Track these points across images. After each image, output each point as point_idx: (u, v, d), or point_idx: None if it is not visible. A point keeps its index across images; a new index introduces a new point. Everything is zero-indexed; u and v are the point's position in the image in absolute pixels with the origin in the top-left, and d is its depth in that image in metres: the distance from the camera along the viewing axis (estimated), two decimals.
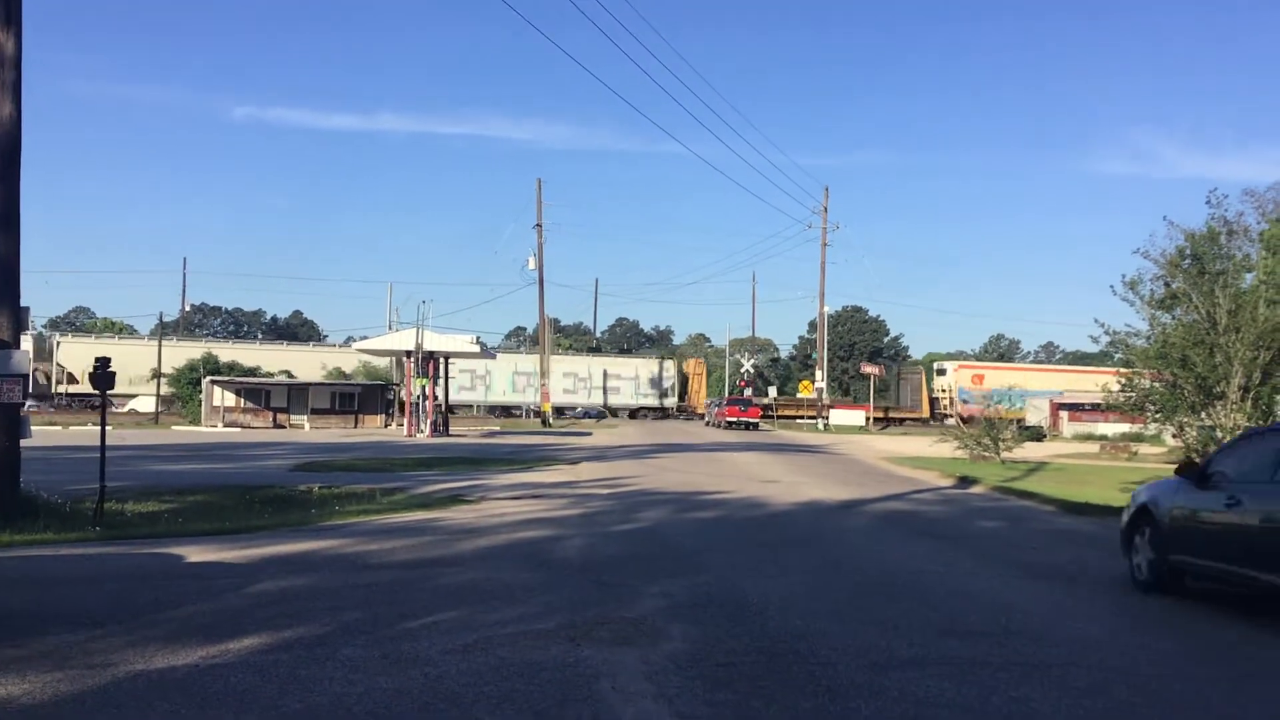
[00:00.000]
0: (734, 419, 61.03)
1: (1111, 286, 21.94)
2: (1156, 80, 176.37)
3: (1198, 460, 12.84)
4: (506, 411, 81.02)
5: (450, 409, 56.64)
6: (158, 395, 63.73)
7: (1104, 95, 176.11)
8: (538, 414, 68.42)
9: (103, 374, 13.97)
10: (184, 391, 60.08)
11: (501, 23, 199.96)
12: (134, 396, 69.19)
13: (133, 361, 66.48)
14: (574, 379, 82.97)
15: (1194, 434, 21.59)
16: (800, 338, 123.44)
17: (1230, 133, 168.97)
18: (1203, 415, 21.11)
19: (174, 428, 52.66)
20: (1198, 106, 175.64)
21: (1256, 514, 9.02)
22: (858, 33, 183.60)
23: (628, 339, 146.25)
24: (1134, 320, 22.20)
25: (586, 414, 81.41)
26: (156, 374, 63.87)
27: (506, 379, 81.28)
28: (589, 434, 50.66)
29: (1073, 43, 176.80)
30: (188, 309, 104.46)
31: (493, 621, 7.71)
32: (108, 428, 15.06)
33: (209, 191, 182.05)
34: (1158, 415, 22.35)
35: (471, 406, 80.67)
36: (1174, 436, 23.28)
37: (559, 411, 75.28)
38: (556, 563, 10.88)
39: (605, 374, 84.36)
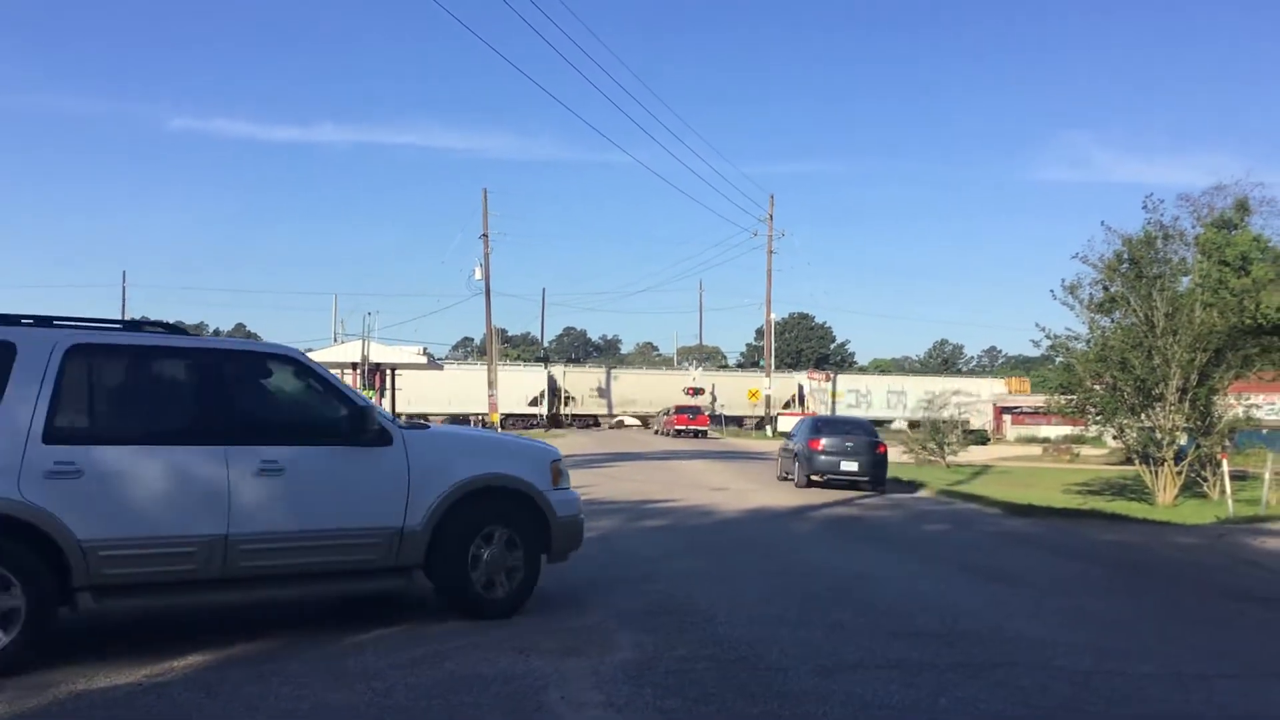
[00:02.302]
0: (683, 427, 61.19)
1: (1052, 290, 22.35)
2: (1090, 86, 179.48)
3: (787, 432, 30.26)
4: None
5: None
6: None
7: (1040, 102, 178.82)
8: (484, 423, 68.11)
9: None
10: None
11: (441, 31, 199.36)
12: None
13: None
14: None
15: (1134, 435, 21.99)
16: (748, 345, 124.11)
17: (1163, 138, 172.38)
18: (1142, 417, 21.51)
19: None
20: (1131, 112, 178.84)
21: (793, 448, 25.09)
22: (796, 40, 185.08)
23: (575, 348, 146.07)
24: (1074, 324, 22.69)
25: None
26: None
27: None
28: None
29: (1006, 49, 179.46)
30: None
31: (441, 634, 7.65)
32: None
33: (148, 203, 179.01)
34: (1098, 417, 22.72)
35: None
36: (1114, 438, 23.70)
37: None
38: None
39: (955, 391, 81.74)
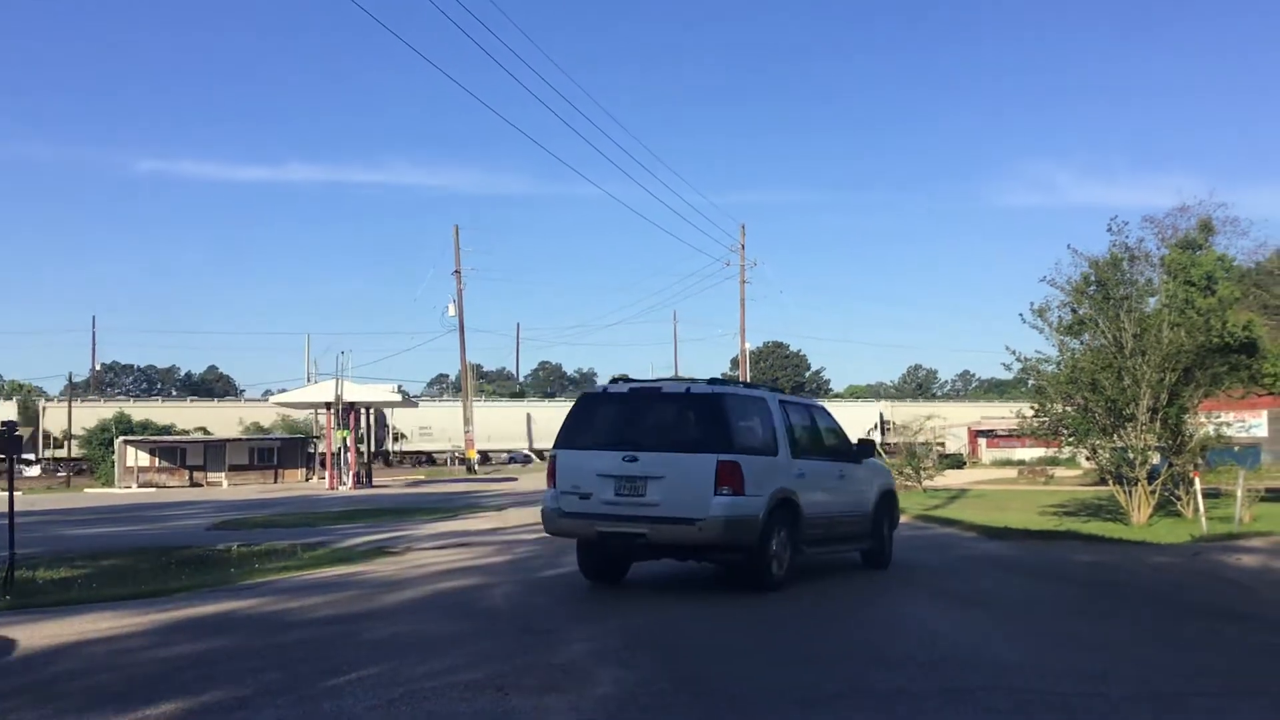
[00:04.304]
0: None
1: (1021, 314, 22.43)
2: (1050, 111, 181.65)
3: None
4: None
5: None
6: (69, 458, 62.00)
7: (1001, 127, 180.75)
8: (462, 461, 67.84)
9: (9, 438, 13.59)
10: (95, 453, 58.48)
11: (407, 68, 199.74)
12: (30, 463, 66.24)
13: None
14: None
15: (1107, 456, 22.07)
16: (723, 374, 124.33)
17: (1124, 160, 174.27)
18: (1114, 437, 21.58)
19: (86, 490, 51.22)
20: (1091, 136, 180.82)
21: None
22: (763, 71, 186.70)
23: (551, 382, 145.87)
24: (1044, 346, 22.70)
25: None
26: (67, 435, 62.17)
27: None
28: (515, 479, 50.35)
29: (968, 76, 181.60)
30: (98, 368, 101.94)
31: (419, 674, 7.60)
32: (16, 493, 14.59)
33: (116, 248, 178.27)
34: (1071, 439, 22.80)
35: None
36: (1088, 459, 23.75)
37: None
38: (483, 611, 10.77)
39: None
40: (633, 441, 11.51)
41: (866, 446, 14.46)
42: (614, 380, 12.63)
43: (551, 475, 12.14)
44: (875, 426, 77.28)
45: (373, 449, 53.05)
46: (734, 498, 11.02)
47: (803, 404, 14.01)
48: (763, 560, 11.45)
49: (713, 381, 12.34)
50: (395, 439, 76.67)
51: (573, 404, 12.81)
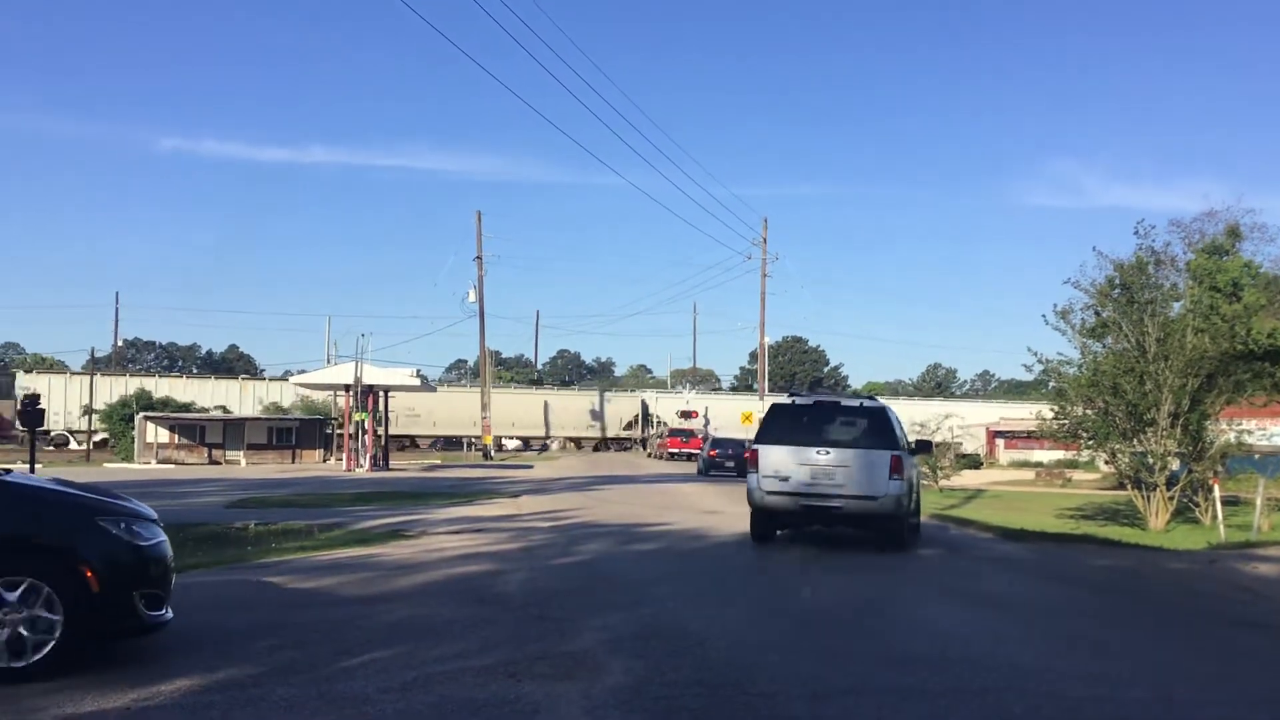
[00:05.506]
0: (676, 450, 61.07)
1: (1044, 315, 22.36)
2: (1077, 112, 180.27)
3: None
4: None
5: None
6: (89, 431, 62.42)
7: (1028, 128, 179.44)
8: (479, 447, 68.00)
9: (32, 411, 13.69)
10: (116, 428, 58.83)
11: (431, 53, 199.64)
12: (48, 433, 67.02)
13: (61, 397, 65.42)
14: None
15: (1126, 460, 21.97)
16: (741, 368, 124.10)
17: (1150, 164, 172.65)
18: (1134, 441, 21.49)
19: (106, 465, 51.54)
20: (1118, 138, 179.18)
21: (701, 454, 48.25)
22: (789, 65, 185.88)
23: (569, 371, 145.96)
24: (1066, 349, 22.62)
25: None
26: (88, 409, 62.59)
27: None
28: (530, 467, 50.41)
29: (994, 75, 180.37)
30: (120, 344, 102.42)
31: (432, 658, 7.63)
32: (37, 465, 14.69)
33: (141, 225, 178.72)
34: (1090, 442, 22.69)
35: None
36: (1106, 463, 23.67)
37: None
38: (497, 597, 10.80)
39: None
40: (821, 440, 15.47)
41: (924, 445, 19.54)
42: (794, 393, 17.03)
43: (754, 464, 15.71)
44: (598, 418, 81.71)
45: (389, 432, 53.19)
46: (899, 481, 15.06)
47: (894, 411, 17.23)
48: (905, 529, 15.72)
49: (871, 397, 17.61)
50: (654, 424, 78.65)
51: (766, 411, 16.78)
